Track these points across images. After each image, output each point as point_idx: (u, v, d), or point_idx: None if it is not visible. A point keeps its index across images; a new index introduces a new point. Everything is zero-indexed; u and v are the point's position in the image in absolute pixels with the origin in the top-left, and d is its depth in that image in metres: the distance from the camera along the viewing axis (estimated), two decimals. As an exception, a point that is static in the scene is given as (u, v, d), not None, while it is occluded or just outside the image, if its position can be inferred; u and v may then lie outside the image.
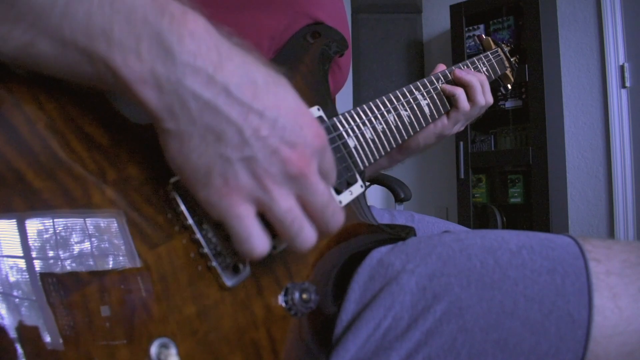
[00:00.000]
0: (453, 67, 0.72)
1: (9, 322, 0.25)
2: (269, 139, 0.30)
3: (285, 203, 0.31)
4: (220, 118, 0.29)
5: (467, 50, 2.41)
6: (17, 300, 0.25)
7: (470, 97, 0.69)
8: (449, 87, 0.67)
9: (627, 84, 2.21)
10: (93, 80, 0.29)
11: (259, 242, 0.31)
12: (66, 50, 0.28)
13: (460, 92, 0.67)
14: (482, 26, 2.41)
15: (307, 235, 0.32)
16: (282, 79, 0.33)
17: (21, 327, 0.25)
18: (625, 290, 0.37)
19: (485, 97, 0.70)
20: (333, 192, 0.39)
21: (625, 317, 0.36)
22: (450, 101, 0.68)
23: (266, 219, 0.32)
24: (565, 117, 2.38)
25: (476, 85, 0.68)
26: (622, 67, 2.23)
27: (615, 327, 0.36)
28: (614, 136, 2.24)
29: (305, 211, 0.33)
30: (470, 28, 2.43)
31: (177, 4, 0.29)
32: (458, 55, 2.41)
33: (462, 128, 0.74)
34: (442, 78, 0.69)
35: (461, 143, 2.36)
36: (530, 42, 2.13)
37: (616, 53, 2.24)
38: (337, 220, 0.34)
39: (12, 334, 0.25)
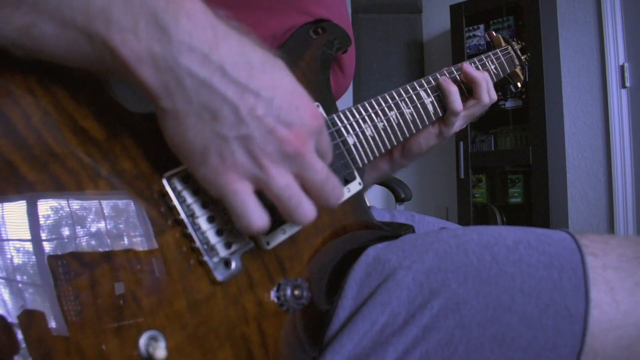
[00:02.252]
0: (461, 64, 0.69)
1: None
2: (265, 119, 0.30)
3: (282, 180, 0.32)
4: (215, 96, 0.29)
5: (467, 51, 2.41)
6: (6, 287, 0.25)
7: (475, 95, 0.68)
8: (444, 85, 0.64)
9: (627, 84, 2.21)
10: (92, 61, 0.29)
11: (256, 216, 0.31)
12: (66, 30, 0.28)
13: (454, 91, 0.64)
14: (482, 26, 2.42)
15: (306, 209, 0.33)
16: (278, 61, 0.33)
17: (11, 315, 0.25)
18: (622, 284, 0.37)
19: (490, 95, 0.69)
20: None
21: (622, 311, 0.36)
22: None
23: (265, 200, 0.32)
24: (565, 117, 2.38)
25: (482, 83, 0.67)
26: (622, 67, 2.23)
27: (613, 321, 0.36)
28: (614, 136, 2.24)
29: (305, 189, 0.33)
30: (470, 28, 2.43)
31: None
32: (458, 55, 2.41)
33: (464, 126, 0.73)
34: (447, 75, 0.67)
35: (461, 143, 2.36)
36: (530, 42, 2.13)
37: (616, 53, 2.24)
38: (337, 194, 0.35)
39: (2, 321, 0.25)
